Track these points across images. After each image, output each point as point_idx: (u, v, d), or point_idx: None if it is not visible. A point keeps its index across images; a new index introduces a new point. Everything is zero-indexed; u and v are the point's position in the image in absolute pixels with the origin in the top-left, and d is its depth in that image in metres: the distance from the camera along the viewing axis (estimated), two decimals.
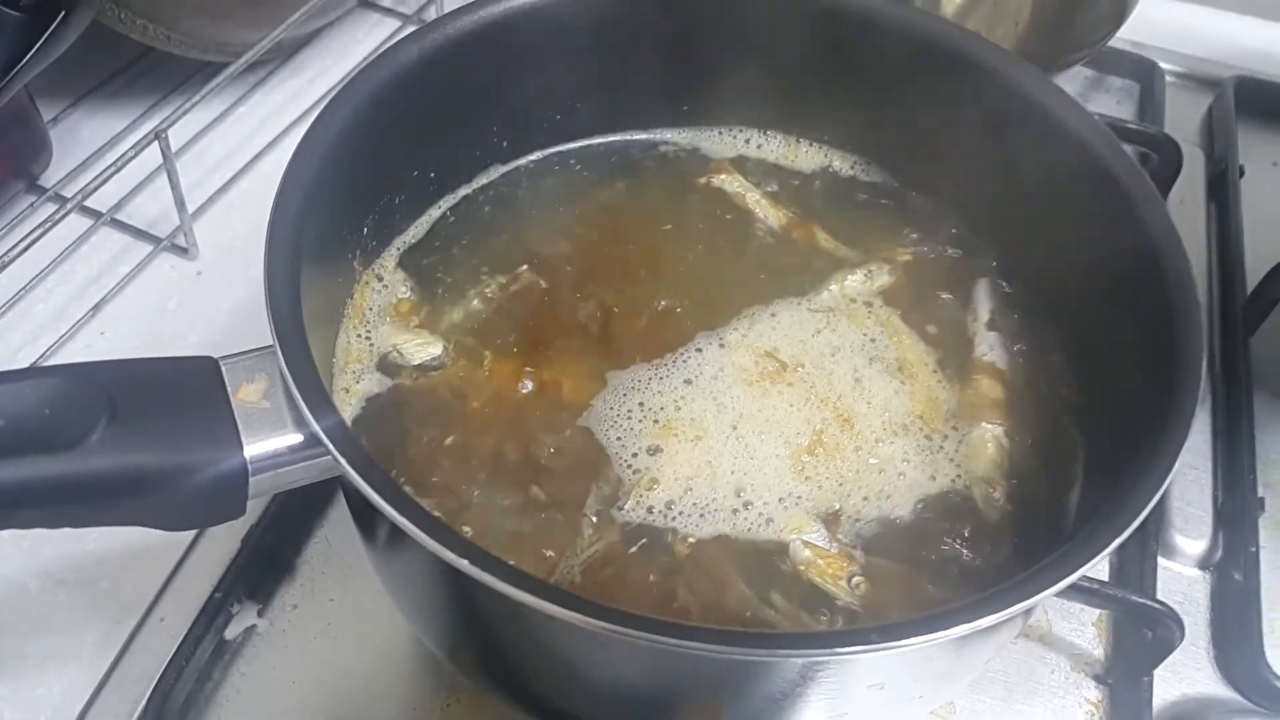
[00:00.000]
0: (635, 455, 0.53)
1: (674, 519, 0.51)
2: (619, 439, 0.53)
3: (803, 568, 0.49)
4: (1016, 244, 0.61)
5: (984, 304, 0.60)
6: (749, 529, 0.51)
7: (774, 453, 0.53)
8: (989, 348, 0.58)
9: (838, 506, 0.51)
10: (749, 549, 0.50)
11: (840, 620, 0.48)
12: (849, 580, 0.49)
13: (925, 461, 0.53)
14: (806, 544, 0.50)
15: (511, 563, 0.38)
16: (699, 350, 0.57)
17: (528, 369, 0.56)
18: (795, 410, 0.54)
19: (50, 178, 0.81)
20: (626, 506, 0.51)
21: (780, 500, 0.51)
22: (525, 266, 0.60)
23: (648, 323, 0.58)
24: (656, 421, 0.54)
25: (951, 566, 0.50)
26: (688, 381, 0.55)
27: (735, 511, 0.51)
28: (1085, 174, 0.53)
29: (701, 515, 0.51)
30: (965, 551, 0.50)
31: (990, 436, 0.54)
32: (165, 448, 0.41)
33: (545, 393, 0.55)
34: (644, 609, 0.47)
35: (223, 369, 0.44)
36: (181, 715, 0.56)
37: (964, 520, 0.52)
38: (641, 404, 0.54)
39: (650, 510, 0.51)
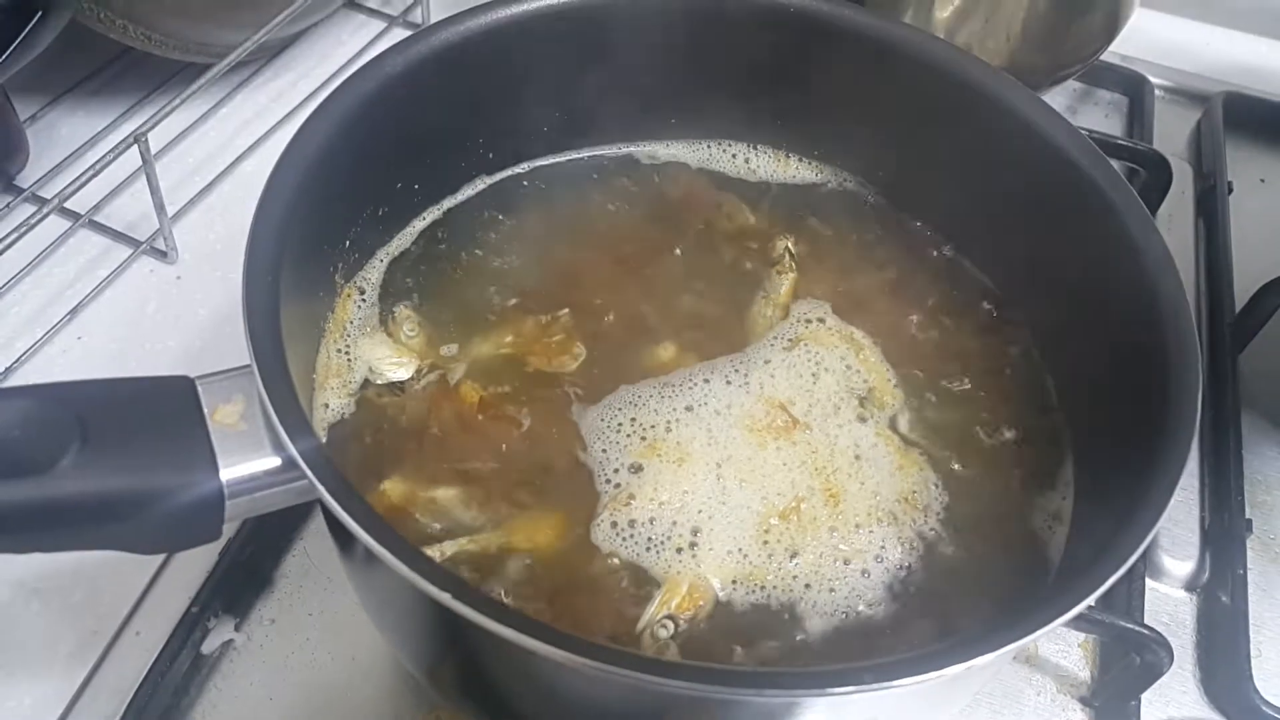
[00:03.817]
0: (617, 470, 0.52)
1: (632, 542, 0.50)
2: (604, 450, 0.52)
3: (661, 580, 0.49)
4: (1004, 263, 0.60)
5: None
6: (677, 573, 0.49)
7: (745, 504, 0.51)
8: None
9: (772, 582, 0.49)
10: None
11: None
12: (683, 616, 0.48)
13: (898, 562, 0.50)
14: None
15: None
16: (706, 381, 0.56)
17: (506, 387, 0.55)
18: (786, 470, 0.53)
19: (27, 178, 0.80)
20: (600, 519, 0.50)
21: (728, 552, 0.50)
22: (508, 282, 0.59)
23: (631, 346, 0.57)
24: (644, 439, 0.53)
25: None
26: (689, 408, 0.54)
27: (679, 551, 0.50)
28: (1077, 197, 0.53)
29: (647, 548, 0.50)
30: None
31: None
32: (140, 472, 0.40)
33: (526, 409, 0.54)
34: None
35: (199, 389, 0.43)
36: None
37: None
38: (634, 419, 0.54)
39: (614, 525, 0.50)
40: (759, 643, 0.48)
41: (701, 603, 0.48)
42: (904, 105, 0.60)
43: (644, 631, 0.47)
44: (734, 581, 0.49)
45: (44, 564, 0.61)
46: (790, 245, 0.62)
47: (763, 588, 0.49)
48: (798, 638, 0.48)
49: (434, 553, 0.49)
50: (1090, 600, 0.39)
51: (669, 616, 0.48)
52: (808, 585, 0.49)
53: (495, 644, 0.40)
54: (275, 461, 0.41)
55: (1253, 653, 0.62)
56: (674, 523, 0.50)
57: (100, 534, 0.41)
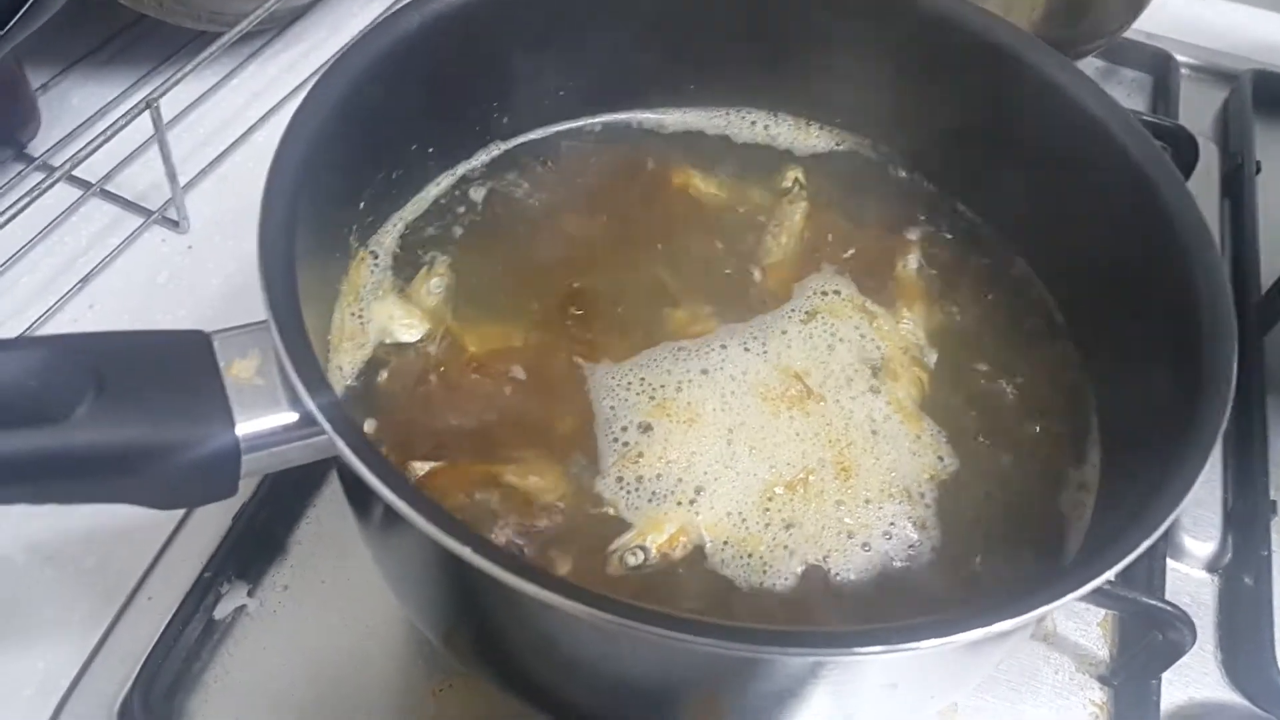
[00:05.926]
0: (625, 429, 0.52)
1: (636, 496, 0.50)
2: (612, 409, 0.52)
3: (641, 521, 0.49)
4: (1034, 233, 0.59)
5: None
6: (668, 515, 0.49)
7: (753, 471, 0.51)
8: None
9: (761, 552, 0.48)
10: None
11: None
12: (657, 551, 0.48)
13: (907, 538, 0.50)
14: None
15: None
16: (724, 346, 0.55)
17: (519, 347, 0.55)
18: (799, 441, 0.52)
19: (38, 146, 0.79)
20: (606, 474, 0.50)
21: (727, 514, 0.49)
22: (520, 247, 0.59)
23: (644, 310, 0.57)
24: (653, 399, 0.52)
25: None
26: (704, 371, 0.54)
27: (679, 504, 0.49)
28: (1110, 164, 0.52)
29: (650, 500, 0.50)
30: None
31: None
32: (155, 423, 0.39)
33: (535, 371, 0.54)
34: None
35: (215, 343, 0.42)
36: (169, 695, 0.55)
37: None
38: (643, 379, 0.53)
39: (620, 480, 0.50)
40: (725, 601, 0.47)
41: (683, 542, 0.48)
42: (927, 71, 0.59)
43: (615, 552, 0.47)
44: (725, 543, 0.49)
45: (57, 529, 0.61)
46: (800, 176, 0.62)
47: (750, 555, 0.48)
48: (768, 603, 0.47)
49: (417, 466, 0.49)
50: (1120, 566, 0.39)
51: (641, 547, 0.47)
52: (793, 553, 0.49)
53: (513, 603, 0.40)
54: (292, 416, 0.41)
55: (1276, 635, 0.61)
56: (679, 479, 0.50)
57: (116, 485, 0.40)
